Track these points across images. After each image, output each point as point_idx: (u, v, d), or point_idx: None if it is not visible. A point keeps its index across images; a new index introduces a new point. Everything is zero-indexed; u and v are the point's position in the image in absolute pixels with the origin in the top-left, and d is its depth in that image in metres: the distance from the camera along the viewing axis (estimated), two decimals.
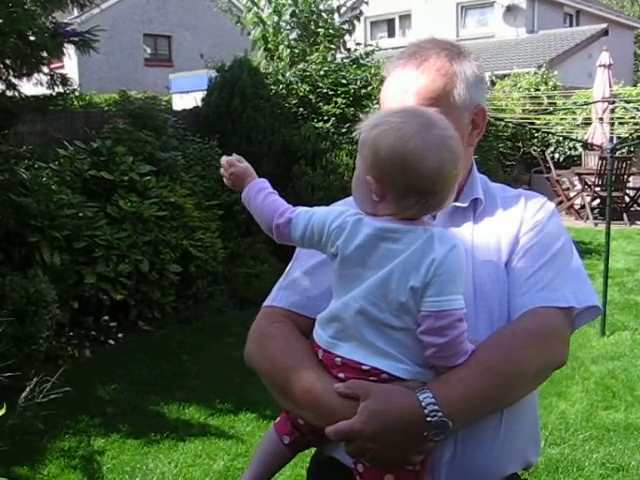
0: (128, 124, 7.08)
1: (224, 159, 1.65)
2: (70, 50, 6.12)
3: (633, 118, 13.06)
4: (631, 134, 9.59)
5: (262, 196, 1.58)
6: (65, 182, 6.17)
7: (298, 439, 1.56)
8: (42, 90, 6.31)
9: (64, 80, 6.26)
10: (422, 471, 1.44)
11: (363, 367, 1.43)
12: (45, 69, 6.09)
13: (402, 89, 1.59)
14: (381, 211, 1.44)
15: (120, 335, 6.07)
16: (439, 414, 1.36)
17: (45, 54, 5.84)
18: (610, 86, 12.96)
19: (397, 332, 1.42)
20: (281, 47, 10.39)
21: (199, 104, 8.77)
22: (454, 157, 1.41)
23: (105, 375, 5.33)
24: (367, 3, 11.52)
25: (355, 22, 11.34)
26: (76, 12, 14.20)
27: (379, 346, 1.42)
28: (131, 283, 6.06)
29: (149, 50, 26.33)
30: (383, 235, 1.43)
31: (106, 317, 6.02)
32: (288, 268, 1.73)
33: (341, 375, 1.44)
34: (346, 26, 11.17)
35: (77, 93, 7.60)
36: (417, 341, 1.41)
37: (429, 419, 1.36)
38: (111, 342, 5.96)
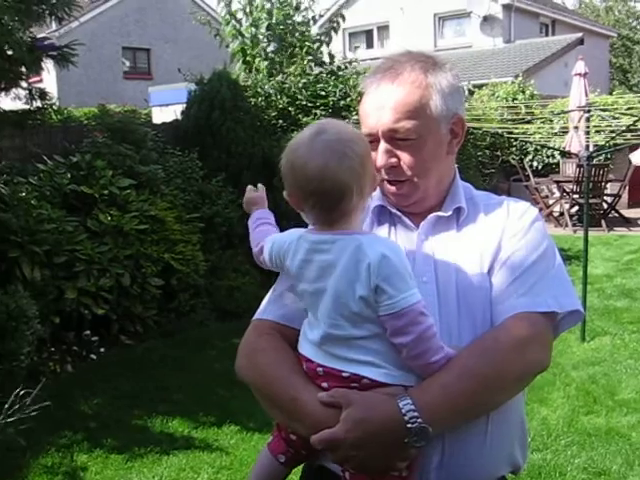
0: (107, 138, 7.07)
1: (249, 187, 1.81)
2: (49, 64, 6.11)
3: (609, 126, 13.21)
4: (607, 142, 9.70)
5: (255, 225, 1.72)
6: (45, 197, 6.14)
7: (293, 456, 1.59)
8: (20, 105, 6.29)
9: (42, 95, 6.24)
10: (409, 477, 1.47)
11: (343, 374, 1.46)
12: (23, 84, 6.07)
13: (379, 104, 1.62)
14: (310, 223, 1.52)
15: (102, 350, 6.03)
16: (419, 420, 1.39)
17: (23, 69, 5.82)
18: (586, 95, 13.09)
19: (367, 340, 1.46)
20: (257, 60, 10.43)
21: (179, 117, 8.78)
22: (341, 157, 1.44)
23: (87, 390, 5.30)
24: (343, 17, 11.58)
25: (332, 34, 11.39)
26: (54, 26, 14.19)
27: (354, 357, 1.46)
28: (112, 297, 6.03)
29: (128, 63, 26.30)
30: (315, 247, 1.49)
31: (87, 332, 5.99)
32: (276, 282, 1.75)
33: (324, 384, 1.48)
34: (323, 37, 11.22)
35: (55, 107, 7.58)
36: (391, 344, 1.45)
37: (409, 426, 1.39)
38: (93, 357, 5.93)
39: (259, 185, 1.79)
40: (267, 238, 1.64)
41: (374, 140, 1.63)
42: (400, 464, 1.43)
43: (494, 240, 1.64)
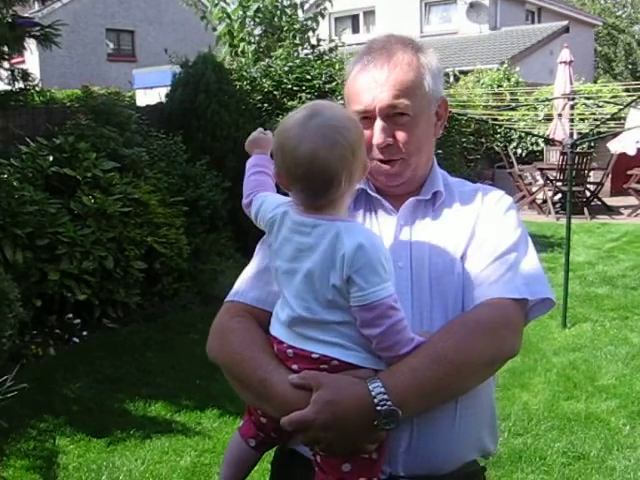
0: (91, 120, 7.01)
1: (258, 129, 1.76)
2: (32, 45, 6.04)
3: (593, 114, 13.28)
4: (591, 130, 9.76)
5: (250, 172, 1.67)
6: (27, 179, 6.09)
7: (263, 439, 1.60)
8: (2, 86, 6.23)
9: (25, 75, 6.18)
10: (379, 459, 1.48)
11: (313, 355, 1.47)
12: (5, 64, 6.01)
13: (375, 81, 1.61)
14: (295, 203, 1.50)
15: (84, 333, 6.02)
16: (388, 403, 1.40)
17: (6, 48, 5.76)
18: (571, 82, 13.14)
19: (338, 325, 1.46)
20: (242, 44, 10.37)
21: (163, 100, 8.72)
22: (333, 144, 1.41)
23: (70, 373, 5.29)
24: (331, 3, 11.52)
25: (319, 18, 11.35)
26: (37, 6, 14.01)
27: (324, 339, 1.47)
28: (95, 280, 6.01)
29: (112, 45, 26.07)
30: (296, 228, 1.48)
31: (70, 315, 5.97)
32: (250, 263, 1.75)
33: (295, 367, 1.48)
34: (310, 22, 11.18)
35: (38, 89, 7.50)
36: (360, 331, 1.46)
37: (379, 408, 1.40)
38: (75, 340, 5.91)
39: (267, 131, 1.74)
40: (259, 195, 1.60)
41: (367, 117, 1.62)
42: (369, 446, 1.44)
43: (468, 226, 1.65)
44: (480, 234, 1.64)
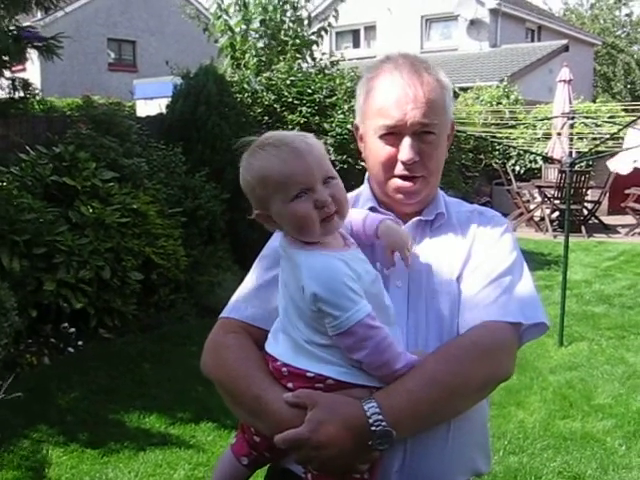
0: (91, 130, 7.02)
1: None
2: (33, 55, 6.06)
3: (592, 133, 13.33)
4: (590, 149, 9.80)
5: None
6: (26, 187, 6.08)
7: (256, 458, 1.59)
8: (3, 94, 6.23)
9: (26, 85, 6.19)
10: (371, 479, 1.48)
11: (308, 374, 1.47)
12: (7, 73, 6.02)
13: (407, 97, 1.61)
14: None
15: (80, 343, 5.99)
16: (383, 424, 1.40)
17: (7, 58, 5.77)
18: (570, 101, 13.21)
19: (330, 347, 1.46)
20: (247, 55, 10.40)
21: (163, 111, 8.73)
22: (281, 163, 1.44)
23: (64, 383, 5.26)
24: (336, 18, 11.55)
25: (323, 33, 11.39)
26: (39, 15, 14.06)
27: (319, 358, 1.47)
28: (92, 290, 5.99)
29: (113, 55, 26.15)
30: (282, 254, 1.54)
31: (66, 324, 5.94)
32: (246, 279, 1.75)
33: (290, 385, 1.48)
34: (314, 37, 11.22)
35: (39, 98, 7.51)
36: None
37: (373, 428, 1.40)
38: (70, 350, 5.88)
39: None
40: None
41: (392, 133, 1.62)
42: (362, 466, 1.45)
43: (464, 248, 1.66)
44: (476, 256, 1.65)
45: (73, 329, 5.99)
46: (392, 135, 1.62)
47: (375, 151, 1.67)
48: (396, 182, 1.65)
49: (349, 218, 1.58)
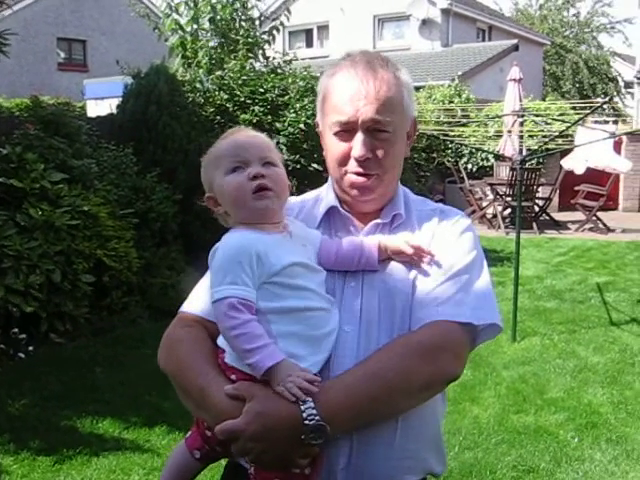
0: (40, 130, 6.88)
1: None
2: None
3: (542, 131, 13.54)
4: (540, 146, 9.96)
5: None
6: None
7: (208, 452, 1.61)
8: None
9: None
10: (312, 475, 1.48)
11: None
12: None
13: (360, 94, 1.61)
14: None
15: (31, 348, 5.86)
16: (317, 418, 1.40)
17: None
18: (520, 100, 13.40)
19: None
20: (200, 54, 10.30)
21: (114, 111, 8.61)
22: (224, 144, 1.62)
23: (14, 390, 5.14)
24: (288, 17, 11.53)
25: (275, 32, 11.35)
26: None
27: None
28: (42, 295, 5.87)
29: (63, 54, 25.68)
30: None
31: (15, 330, 5.81)
32: (205, 275, 1.74)
33: (233, 377, 1.51)
34: (266, 36, 11.17)
35: None
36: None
37: (306, 422, 1.40)
38: (21, 356, 5.75)
39: None
40: None
41: (347, 130, 1.62)
42: (300, 461, 1.45)
43: (423, 245, 1.65)
44: (433, 253, 1.64)
45: (23, 335, 5.87)
46: (346, 132, 1.62)
47: (331, 148, 1.68)
48: (350, 178, 1.65)
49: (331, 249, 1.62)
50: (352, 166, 1.63)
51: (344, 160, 1.63)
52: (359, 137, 1.61)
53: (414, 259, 1.62)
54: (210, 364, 1.55)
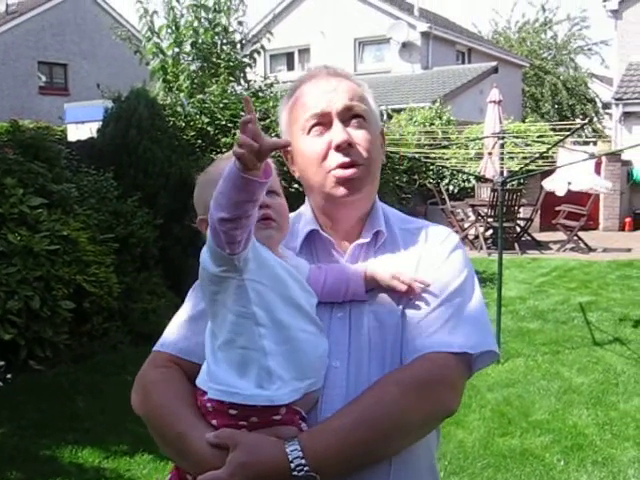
0: (19, 154, 6.82)
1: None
2: None
3: (522, 152, 13.64)
4: (520, 168, 10.02)
5: None
6: None
7: None
8: None
9: None
10: None
11: (230, 411, 1.40)
12: None
13: (329, 88, 1.59)
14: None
15: (9, 376, 5.75)
16: (306, 468, 1.33)
17: None
18: (500, 121, 13.50)
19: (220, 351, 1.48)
20: (181, 77, 10.31)
21: (94, 135, 8.57)
22: (204, 182, 1.55)
23: None
24: (269, 40, 11.57)
25: (256, 56, 11.39)
26: None
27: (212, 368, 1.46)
28: (21, 321, 5.78)
29: (44, 78, 25.64)
30: None
31: None
32: (179, 310, 1.67)
33: (214, 422, 1.42)
34: (247, 59, 11.21)
35: None
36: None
37: (295, 474, 1.32)
38: None
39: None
40: None
41: (322, 123, 1.57)
42: None
43: (409, 269, 1.56)
44: (422, 277, 1.55)
45: (2, 362, 5.77)
46: (321, 125, 1.56)
47: (307, 150, 1.58)
48: (335, 174, 1.55)
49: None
50: (335, 159, 1.54)
51: (325, 154, 1.55)
52: (337, 124, 1.55)
53: (406, 293, 1.54)
54: (189, 408, 1.45)
